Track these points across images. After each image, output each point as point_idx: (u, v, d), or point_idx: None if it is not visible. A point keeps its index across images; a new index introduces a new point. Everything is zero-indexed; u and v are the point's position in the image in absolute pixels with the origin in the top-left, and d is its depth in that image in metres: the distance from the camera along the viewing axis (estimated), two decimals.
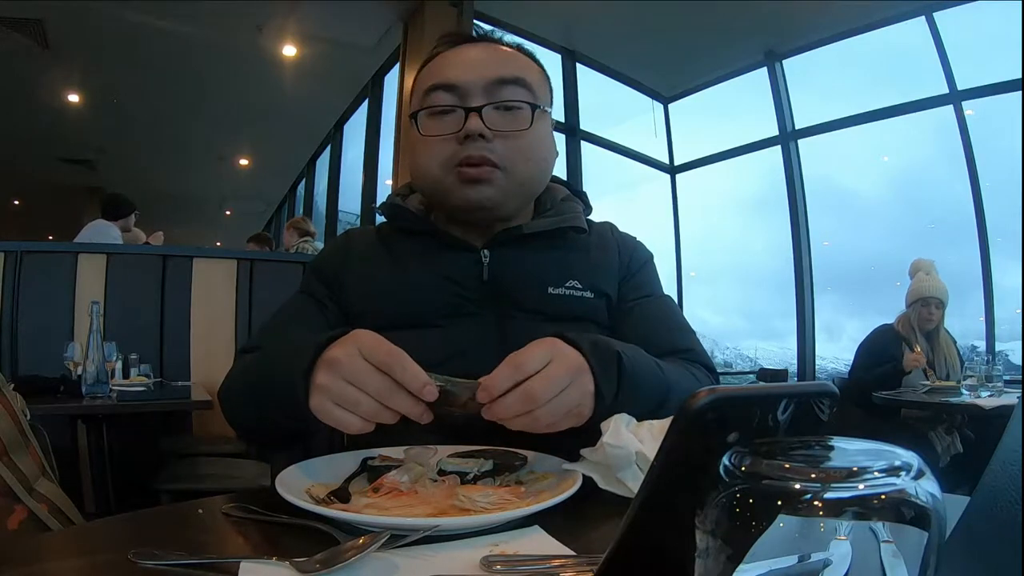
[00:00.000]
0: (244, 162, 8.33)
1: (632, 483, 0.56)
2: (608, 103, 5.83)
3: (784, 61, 5.01)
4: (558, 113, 0.94)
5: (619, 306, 0.88)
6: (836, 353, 5.15)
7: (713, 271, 6.31)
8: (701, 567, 0.25)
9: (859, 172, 5.43)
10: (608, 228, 0.95)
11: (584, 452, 0.60)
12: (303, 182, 8.45)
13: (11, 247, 2.76)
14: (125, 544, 0.44)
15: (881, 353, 3.01)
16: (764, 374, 4.46)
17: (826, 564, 0.22)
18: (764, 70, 5.07)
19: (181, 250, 3.17)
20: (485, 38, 0.88)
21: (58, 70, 5.47)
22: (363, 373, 0.56)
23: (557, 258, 0.85)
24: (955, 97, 4.14)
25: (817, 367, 4.83)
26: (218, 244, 9.18)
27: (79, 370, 2.16)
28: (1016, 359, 4.13)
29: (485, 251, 0.83)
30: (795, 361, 4.83)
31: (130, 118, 6.49)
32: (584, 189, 0.96)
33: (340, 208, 6.54)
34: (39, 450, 0.87)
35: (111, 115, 6.44)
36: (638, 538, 0.31)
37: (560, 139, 1.01)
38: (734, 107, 5.60)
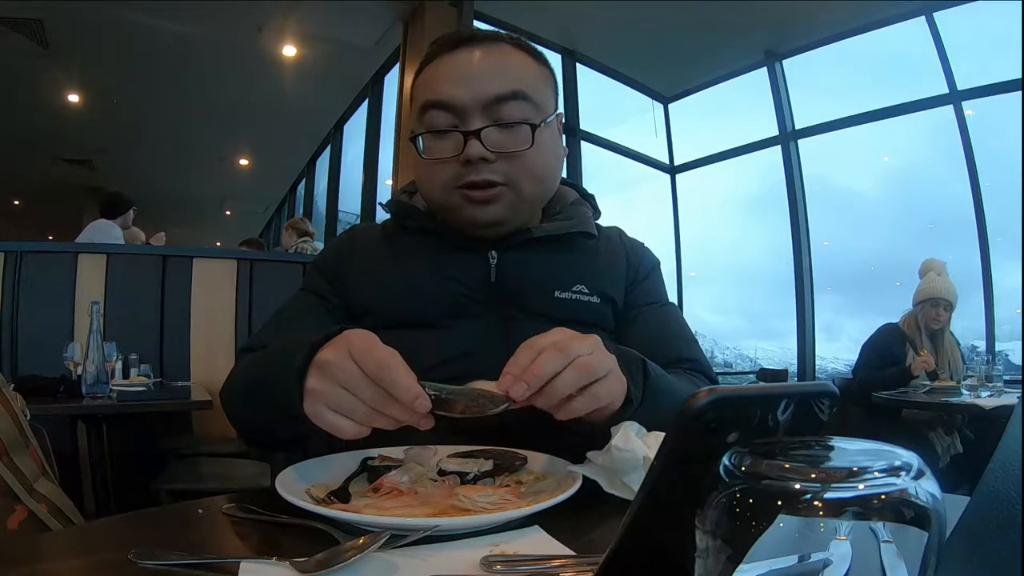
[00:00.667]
0: (244, 162, 8.34)
1: (638, 487, 0.56)
2: (608, 103, 5.84)
3: (784, 61, 5.01)
4: None
5: (625, 312, 0.87)
6: (836, 353, 5.16)
7: (713, 271, 6.31)
8: (701, 567, 0.25)
9: (859, 172, 5.44)
10: (616, 233, 0.95)
11: (590, 455, 0.60)
12: (303, 182, 8.46)
13: (11, 247, 2.76)
14: (125, 544, 0.44)
15: (886, 352, 3.00)
16: (764, 374, 4.46)
17: (826, 564, 0.22)
18: (764, 70, 5.07)
19: (181, 250, 3.17)
20: (480, 37, 0.82)
21: (58, 70, 5.47)
22: (356, 379, 0.54)
23: (565, 262, 0.85)
24: (955, 97, 4.14)
25: (817, 367, 4.83)
26: (218, 244, 9.18)
27: (79, 370, 2.16)
28: (1016, 359, 4.14)
29: (493, 252, 0.83)
30: (795, 361, 4.83)
31: (130, 118, 6.49)
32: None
33: (340, 208, 6.55)
34: (39, 450, 0.87)
35: (111, 115, 6.44)
36: (638, 538, 0.31)
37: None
38: (734, 107, 5.61)
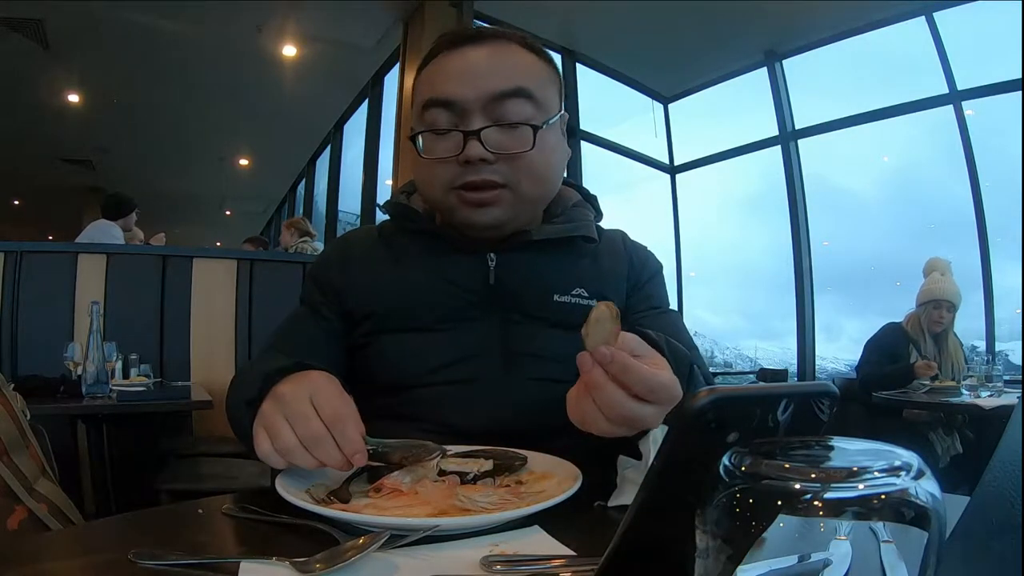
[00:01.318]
0: (244, 162, 8.34)
1: None
2: (608, 103, 5.84)
3: (784, 61, 5.01)
4: None
5: (625, 316, 0.87)
6: (836, 353, 5.16)
7: (713, 271, 6.31)
8: (701, 567, 0.25)
9: (859, 172, 5.43)
10: (619, 236, 0.93)
11: (628, 473, 0.58)
12: (303, 182, 8.46)
13: (11, 247, 2.76)
14: (125, 544, 0.44)
15: (890, 351, 2.98)
16: (764, 374, 4.47)
17: (826, 564, 0.22)
18: (764, 70, 5.07)
19: (181, 250, 3.18)
20: (486, 35, 0.81)
21: (58, 70, 5.47)
22: (302, 416, 0.56)
23: (565, 265, 0.84)
24: (955, 97, 4.13)
25: (817, 367, 4.83)
26: (218, 244, 9.18)
27: (79, 370, 2.16)
28: (1016, 359, 4.14)
29: (491, 255, 0.82)
30: (795, 361, 4.83)
31: (130, 118, 6.49)
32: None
33: (340, 208, 6.55)
34: (39, 450, 0.87)
35: (111, 115, 6.44)
36: (638, 538, 0.31)
37: None
38: (734, 107, 5.60)
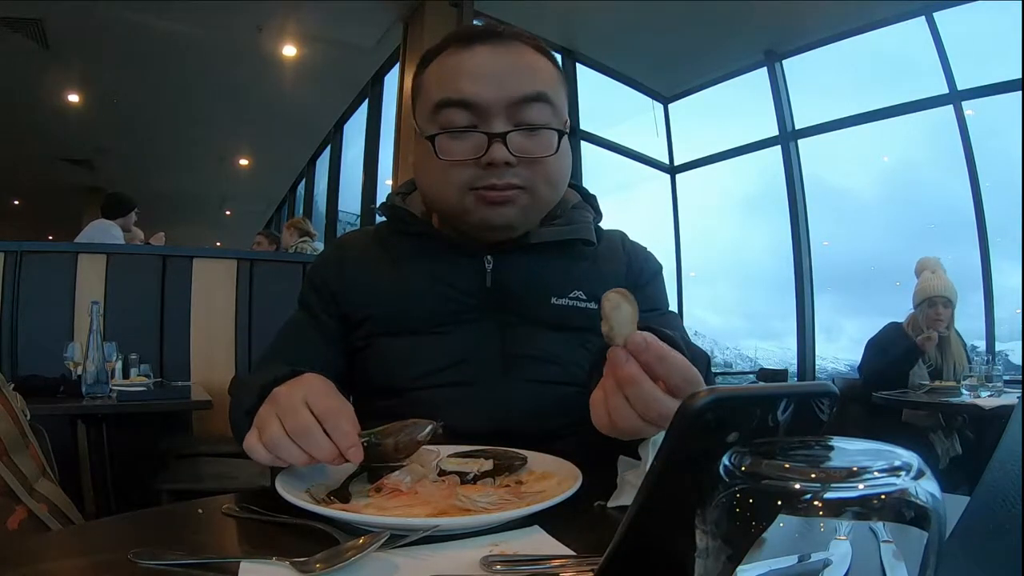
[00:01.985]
0: (244, 162, 8.33)
1: None
2: (608, 103, 5.83)
3: (784, 61, 5.00)
4: None
5: None
6: (836, 353, 5.16)
7: (713, 271, 6.31)
8: (701, 567, 0.25)
9: (859, 172, 5.43)
10: (619, 237, 0.93)
11: (628, 476, 0.58)
12: (303, 182, 8.45)
13: (11, 247, 2.76)
14: (125, 544, 0.44)
15: (891, 350, 2.97)
16: (764, 374, 4.47)
17: (826, 564, 0.22)
18: (764, 70, 5.07)
19: (181, 250, 3.18)
20: (499, 34, 0.79)
21: (58, 70, 5.47)
22: (292, 410, 0.56)
23: (563, 267, 0.83)
24: (955, 97, 4.13)
25: (817, 367, 4.83)
26: (218, 244, 9.19)
27: (79, 370, 2.16)
28: (1016, 359, 4.13)
29: (488, 257, 0.81)
30: (795, 361, 4.83)
31: (130, 118, 6.49)
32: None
33: (340, 208, 6.54)
34: (39, 450, 0.87)
35: (111, 115, 6.44)
36: (638, 538, 0.31)
37: None
38: (734, 107, 5.60)
